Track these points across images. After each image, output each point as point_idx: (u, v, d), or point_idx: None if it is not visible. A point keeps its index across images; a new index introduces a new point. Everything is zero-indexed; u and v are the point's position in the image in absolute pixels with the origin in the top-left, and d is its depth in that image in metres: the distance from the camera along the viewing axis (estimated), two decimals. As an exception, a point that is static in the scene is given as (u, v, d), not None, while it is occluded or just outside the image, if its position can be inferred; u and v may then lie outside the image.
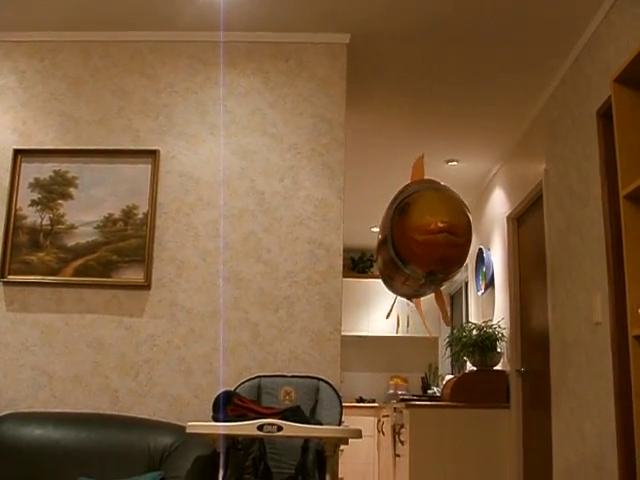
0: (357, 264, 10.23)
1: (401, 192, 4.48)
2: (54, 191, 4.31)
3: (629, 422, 3.44)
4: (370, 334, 9.84)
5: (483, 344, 6.34)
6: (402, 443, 6.26)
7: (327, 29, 4.46)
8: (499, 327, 6.39)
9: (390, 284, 5.01)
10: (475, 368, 6.46)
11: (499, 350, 6.38)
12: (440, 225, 3.88)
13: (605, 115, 4.00)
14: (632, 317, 2.65)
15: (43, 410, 3.99)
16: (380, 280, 9.93)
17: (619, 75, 2.82)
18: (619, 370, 3.72)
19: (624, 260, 2.71)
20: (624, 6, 3.80)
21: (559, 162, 4.90)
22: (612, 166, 3.79)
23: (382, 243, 4.61)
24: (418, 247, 3.99)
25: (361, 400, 9.60)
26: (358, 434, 3.07)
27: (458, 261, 4.09)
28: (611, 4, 3.96)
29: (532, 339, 5.71)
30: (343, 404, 3.71)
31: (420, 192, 4.23)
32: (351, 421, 8.14)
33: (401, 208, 4.20)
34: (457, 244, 3.96)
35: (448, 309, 9.98)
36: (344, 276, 4.32)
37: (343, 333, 4.31)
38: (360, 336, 9.84)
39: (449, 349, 6.96)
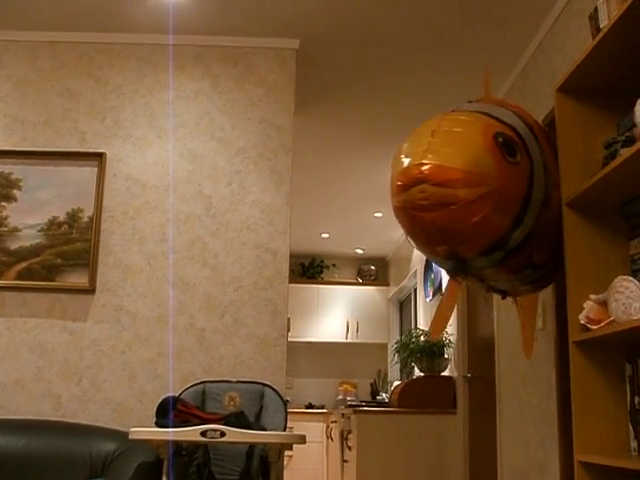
0: (307, 270, 10.22)
1: None
2: (-3, 193, 4.23)
3: (571, 427, 3.48)
4: (320, 340, 9.84)
5: (431, 350, 6.39)
6: (350, 449, 6.28)
7: (277, 34, 4.46)
8: (446, 333, 6.44)
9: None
10: (423, 374, 6.51)
11: (446, 356, 6.43)
12: (415, 173, 2.38)
13: (550, 125, 4.05)
14: (573, 323, 2.69)
15: (-17, 416, 3.92)
16: (330, 286, 9.96)
17: (562, 84, 2.86)
18: (561, 376, 3.77)
19: (565, 266, 2.75)
20: (569, 17, 3.87)
21: (506, 170, 4.94)
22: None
23: None
24: (399, 216, 2.59)
25: (310, 406, 9.58)
26: (302, 439, 3.06)
27: (464, 230, 2.45)
28: (557, 15, 4.02)
29: (478, 345, 5.76)
30: (292, 410, 3.71)
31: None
32: (300, 427, 8.13)
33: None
34: (449, 201, 2.38)
35: (395, 317, 10.02)
36: (294, 282, 4.33)
37: (292, 339, 4.30)
38: (309, 342, 9.83)
39: (397, 355, 7.00)
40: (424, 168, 2.37)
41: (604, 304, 2.56)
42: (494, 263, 2.65)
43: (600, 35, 2.50)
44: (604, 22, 2.64)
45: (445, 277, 6.76)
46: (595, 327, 2.53)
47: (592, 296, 2.62)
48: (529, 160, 2.60)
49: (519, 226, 2.56)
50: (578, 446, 2.59)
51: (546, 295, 4.05)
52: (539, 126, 2.99)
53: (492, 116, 2.66)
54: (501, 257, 2.62)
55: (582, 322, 2.62)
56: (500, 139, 2.50)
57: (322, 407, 9.55)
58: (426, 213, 2.40)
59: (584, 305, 2.64)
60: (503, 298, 3.34)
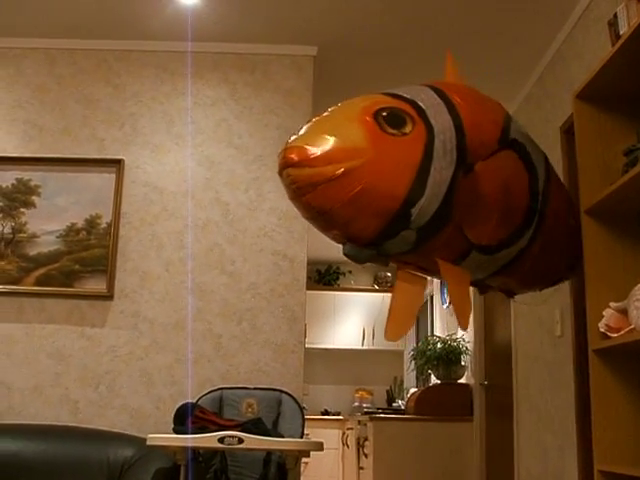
0: (323, 276, 10.21)
1: None
2: (16, 199, 4.25)
3: (589, 435, 3.46)
4: (336, 347, 9.82)
5: (447, 357, 6.37)
6: (366, 456, 6.26)
7: (294, 41, 4.46)
8: (463, 340, 6.42)
9: None
10: (439, 381, 6.48)
11: (463, 363, 6.41)
12: (281, 158, 2.35)
13: (568, 131, 4.04)
14: (592, 331, 2.67)
15: (1, 422, 3.93)
16: (347, 293, 9.94)
17: (581, 91, 2.85)
18: (580, 383, 3.75)
19: (585, 274, 2.73)
20: (587, 23, 3.85)
21: (523, 177, 4.93)
22: (575, 181, 3.82)
23: None
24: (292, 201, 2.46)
25: (326, 413, 9.57)
26: (319, 447, 3.06)
27: (343, 208, 2.29)
28: (575, 22, 4.01)
29: (495, 353, 5.74)
30: (308, 417, 3.70)
31: None
32: (316, 434, 8.11)
33: None
34: (316, 180, 2.26)
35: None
36: (310, 288, 4.32)
37: (309, 345, 4.29)
38: (326, 349, 9.82)
39: (413, 362, 6.98)
40: (286, 152, 2.32)
41: (624, 312, 2.54)
42: (411, 246, 2.45)
43: (620, 42, 2.49)
44: (624, 28, 2.63)
45: (462, 284, 6.73)
46: (615, 335, 2.51)
47: (612, 304, 2.61)
48: (427, 129, 2.42)
49: (418, 199, 2.33)
50: (598, 455, 2.57)
51: (564, 302, 4.03)
52: (466, 97, 2.71)
53: (393, 94, 2.53)
54: (415, 238, 2.41)
55: (602, 330, 2.60)
56: (384, 113, 2.38)
57: (338, 414, 9.54)
58: (301, 197, 2.31)
59: (604, 313, 2.63)
60: (481, 293, 3.22)
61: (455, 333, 6.79)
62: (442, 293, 7.61)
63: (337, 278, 10.22)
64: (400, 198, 2.31)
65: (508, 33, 4.29)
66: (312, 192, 2.27)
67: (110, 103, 4.45)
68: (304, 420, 3.63)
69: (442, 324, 7.72)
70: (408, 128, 2.38)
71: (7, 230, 4.21)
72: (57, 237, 4.20)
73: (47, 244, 4.20)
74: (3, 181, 4.28)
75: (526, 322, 4.75)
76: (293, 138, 2.35)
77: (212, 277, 4.18)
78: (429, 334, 8.34)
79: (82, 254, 4.18)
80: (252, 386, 3.84)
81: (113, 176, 4.29)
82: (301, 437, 3.54)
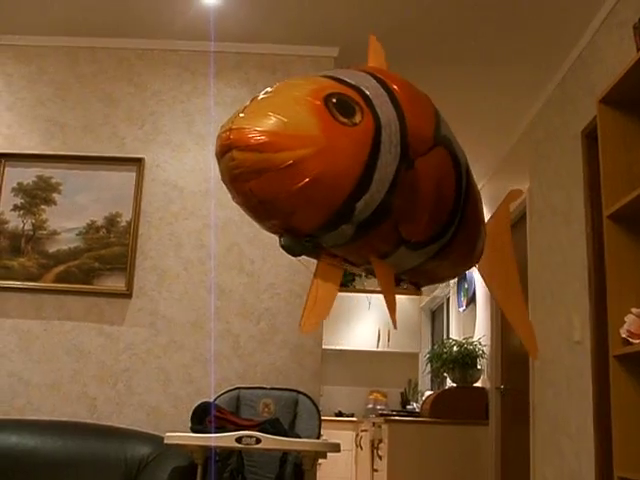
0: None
1: None
2: (37, 196, 4.28)
3: (608, 441, 3.44)
4: (350, 348, 9.81)
5: (463, 361, 6.35)
6: (380, 458, 6.25)
7: (316, 42, 4.47)
8: (480, 344, 6.40)
9: None
10: (455, 384, 6.47)
11: (479, 367, 6.39)
12: (223, 139, 2.15)
13: (590, 136, 4.03)
14: (613, 337, 2.66)
15: (19, 417, 3.95)
16: (362, 295, 9.94)
17: (605, 96, 2.84)
18: (598, 389, 3.73)
19: (606, 280, 2.72)
20: (610, 28, 3.84)
21: (543, 181, 4.92)
22: (596, 186, 3.81)
23: None
24: (228, 191, 2.31)
25: (340, 414, 9.57)
26: (337, 448, 3.06)
27: (288, 199, 2.16)
28: (597, 27, 3.99)
29: (512, 357, 5.72)
30: (322, 417, 3.69)
31: None
32: (329, 435, 8.11)
33: None
34: (263, 167, 2.10)
35: (427, 326, 9.99)
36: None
37: (323, 346, 4.28)
38: (340, 350, 9.81)
39: (429, 365, 6.97)
40: (232, 133, 2.11)
41: (646, 318, 2.53)
42: (347, 240, 2.35)
43: (646, 46, 2.48)
44: (650, 33, 2.62)
45: (480, 286, 6.73)
46: (637, 341, 2.50)
47: (634, 309, 2.60)
48: (375, 121, 2.31)
49: (364, 194, 2.23)
50: (618, 461, 2.56)
51: (583, 308, 4.02)
52: (405, 88, 2.62)
53: (337, 78, 2.40)
54: (353, 232, 2.31)
55: (623, 336, 2.59)
56: (334, 99, 2.24)
57: (352, 415, 9.53)
58: (243, 183, 2.13)
59: (625, 319, 2.62)
60: (399, 285, 3.03)
61: (472, 336, 6.78)
62: (459, 296, 7.59)
63: (353, 279, 10.21)
64: (346, 192, 2.19)
65: (530, 37, 4.28)
66: (256, 179, 2.10)
67: (131, 102, 4.47)
68: (321, 421, 3.64)
69: (458, 327, 7.70)
70: (358, 118, 2.26)
71: (27, 227, 4.23)
72: (77, 234, 4.22)
73: (67, 241, 4.21)
74: (24, 178, 4.30)
75: (544, 327, 4.73)
76: (239, 117, 2.16)
77: (231, 277, 4.19)
78: (445, 337, 8.33)
79: (101, 252, 4.20)
80: (269, 386, 3.85)
81: (133, 175, 4.30)
82: (318, 438, 3.55)
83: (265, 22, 4.29)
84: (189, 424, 3.26)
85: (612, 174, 2.80)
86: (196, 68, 4.52)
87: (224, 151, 2.13)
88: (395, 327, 2.82)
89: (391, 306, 2.59)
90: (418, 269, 2.74)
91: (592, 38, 4.10)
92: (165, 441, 3.11)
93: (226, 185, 2.22)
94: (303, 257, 2.46)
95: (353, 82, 2.39)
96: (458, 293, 7.62)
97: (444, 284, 8.38)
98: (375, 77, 2.51)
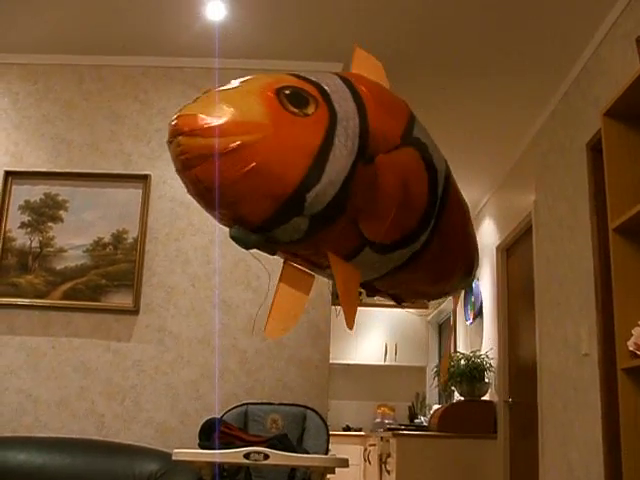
0: (346, 292, 10.18)
1: None
2: (44, 214, 4.30)
3: (617, 455, 3.43)
4: (358, 362, 9.80)
5: (471, 374, 6.33)
6: (388, 472, 6.23)
7: (320, 58, 4.48)
8: (487, 357, 6.38)
9: None
10: (463, 398, 6.45)
11: (487, 380, 6.37)
12: (171, 126, 2.16)
13: (595, 148, 4.03)
14: (621, 350, 2.66)
15: (27, 435, 3.95)
16: (369, 309, 9.92)
17: (609, 109, 2.84)
18: (607, 402, 3.72)
19: (613, 292, 2.72)
20: (614, 40, 3.85)
21: (549, 193, 4.92)
22: (601, 198, 3.81)
23: None
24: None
25: (348, 428, 9.54)
26: (345, 463, 3.05)
27: (233, 185, 2.12)
28: (601, 39, 4.01)
29: (520, 370, 5.70)
30: (330, 432, 3.68)
31: None
32: (337, 450, 8.06)
33: None
34: (207, 152, 2.08)
35: (434, 340, 9.96)
36: (332, 304, 4.30)
37: (331, 361, 4.28)
38: (347, 364, 9.80)
39: (436, 378, 6.95)
40: (179, 119, 2.11)
41: (653, 331, 2.53)
42: (302, 235, 2.29)
43: (649, 59, 2.49)
44: (653, 46, 2.63)
45: (486, 299, 6.72)
46: (644, 354, 2.50)
47: (641, 322, 2.59)
48: (330, 114, 2.28)
49: (314, 185, 2.18)
50: (627, 474, 2.55)
51: (590, 320, 4.01)
52: (373, 90, 2.60)
53: (299, 75, 2.41)
54: (307, 226, 2.25)
55: (631, 349, 2.58)
56: (287, 91, 2.24)
57: (359, 430, 9.50)
58: (190, 169, 2.11)
59: (632, 332, 2.61)
60: (368, 295, 3.03)
61: (479, 349, 6.76)
62: (466, 310, 7.58)
63: (359, 293, 10.19)
64: (295, 182, 2.15)
65: (534, 50, 4.29)
66: (201, 165, 2.09)
67: (137, 119, 4.49)
68: (329, 436, 3.63)
69: (465, 340, 7.68)
70: (311, 109, 2.25)
71: (35, 244, 4.25)
72: (84, 251, 4.23)
73: (74, 258, 4.23)
74: (32, 196, 4.32)
75: (551, 339, 4.72)
76: (188, 105, 2.17)
77: (237, 292, 4.19)
78: (452, 350, 8.31)
79: (108, 269, 4.21)
80: (277, 402, 3.85)
81: (140, 191, 4.32)
82: (326, 453, 3.54)
83: (270, 38, 4.31)
84: (197, 440, 3.26)
85: (617, 187, 2.80)
86: (201, 85, 4.53)
87: (171, 138, 2.12)
88: (349, 328, 2.64)
89: (347, 307, 2.48)
90: (393, 278, 2.68)
91: (595, 50, 4.11)
92: (173, 457, 3.10)
93: (178, 174, 2.20)
94: (256, 251, 2.41)
95: (314, 79, 2.39)
96: (465, 306, 7.61)
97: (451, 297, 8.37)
98: (342, 78, 2.52)
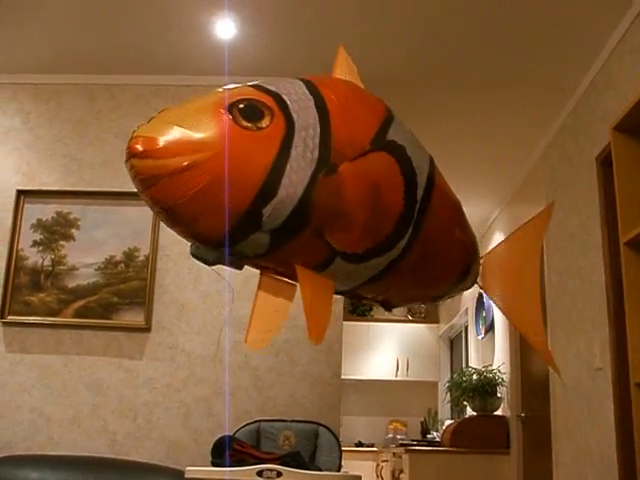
0: (357, 307, 10.21)
1: None
2: (56, 232, 4.32)
3: (632, 470, 3.41)
4: (369, 378, 9.79)
5: (483, 389, 6.31)
6: (401, 489, 6.21)
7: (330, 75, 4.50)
8: (499, 372, 6.37)
9: None
10: (475, 413, 6.43)
11: (499, 395, 6.35)
12: (127, 148, 2.09)
13: (604, 162, 4.03)
14: (634, 364, 2.65)
15: (40, 453, 3.96)
16: (380, 324, 9.90)
17: (619, 123, 2.84)
18: (621, 417, 3.70)
19: (625, 307, 2.71)
20: (622, 54, 3.86)
21: (559, 207, 4.92)
22: (612, 212, 3.80)
23: None
24: None
25: (360, 444, 9.52)
26: (358, 480, 3.05)
27: (186, 205, 2.07)
28: (609, 53, 4.01)
29: (532, 384, 5.68)
30: (342, 448, 3.67)
31: None
32: (349, 466, 8.03)
33: None
34: (158, 173, 2.04)
35: (446, 355, 9.94)
36: (344, 319, 4.31)
37: (342, 376, 4.27)
38: (359, 380, 9.78)
39: (449, 394, 6.93)
40: (131, 142, 2.06)
41: (666, 345, 2.52)
42: (267, 249, 2.21)
43: (658, 74, 2.49)
44: (662, 61, 2.63)
45: (497, 314, 6.70)
46: (658, 368, 2.49)
47: (654, 336, 2.58)
48: (286, 125, 2.22)
49: (271, 199, 2.12)
50: (642, 490, 2.54)
51: (603, 334, 4.00)
52: (341, 94, 2.47)
53: (258, 86, 2.30)
54: (268, 240, 2.18)
55: (644, 363, 2.58)
56: (240, 105, 2.17)
57: (372, 445, 9.48)
58: (146, 190, 2.06)
59: (645, 346, 2.60)
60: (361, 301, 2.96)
61: (491, 364, 6.74)
62: (477, 324, 7.56)
63: (370, 309, 10.20)
64: (249, 197, 2.10)
65: (542, 64, 4.30)
66: (155, 185, 2.04)
67: (148, 137, 4.51)
68: (341, 453, 3.62)
69: (477, 355, 7.66)
70: (265, 122, 2.18)
71: (47, 262, 4.27)
72: (96, 270, 4.25)
73: (86, 276, 4.24)
74: (43, 214, 4.35)
75: (564, 354, 4.70)
76: (141, 126, 2.13)
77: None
78: (464, 365, 8.29)
79: (120, 286, 4.22)
80: (289, 419, 3.84)
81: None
82: (338, 470, 3.53)
83: (279, 56, 4.34)
84: (210, 458, 3.26)
85: (628, 200, 2.79)
86: (211, 102, 4.55)
87: (126, 160, 2.07)
88: (315, 342, 2.49)
89: (312, 318, 2.31)
90: (376, 285, 2.56)
91: (604, 64, 4.12)
92: (186, 475, 3.10)
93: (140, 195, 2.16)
94: (220, 267, 2.38)
95: (274, 89, 2.32)
96: (476, 321, 7.59)
97: (462, 312, 8.36)
98: (308, 84, 2.43)
